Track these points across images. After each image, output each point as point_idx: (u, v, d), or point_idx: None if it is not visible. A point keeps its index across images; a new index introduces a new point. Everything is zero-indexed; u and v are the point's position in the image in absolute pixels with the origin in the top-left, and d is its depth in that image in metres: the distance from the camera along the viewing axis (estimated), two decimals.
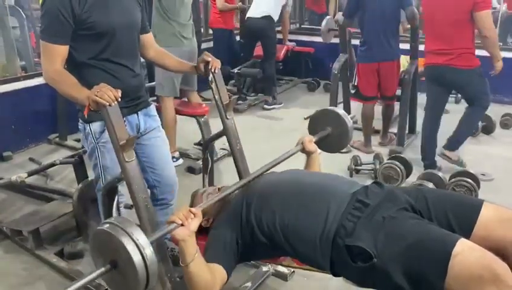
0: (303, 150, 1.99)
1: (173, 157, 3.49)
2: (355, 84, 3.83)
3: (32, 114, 4.01)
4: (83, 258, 2.44)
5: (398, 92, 3.93)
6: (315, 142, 2.01)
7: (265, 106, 5.21)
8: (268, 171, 1.82)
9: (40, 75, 3.79)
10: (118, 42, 1.85)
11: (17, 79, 3.91)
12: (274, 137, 4.33)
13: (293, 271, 2.22)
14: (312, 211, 1.48)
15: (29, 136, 4.07)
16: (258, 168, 1.79)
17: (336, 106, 4.23)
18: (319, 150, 3.76)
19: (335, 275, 1.47)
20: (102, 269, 1.25)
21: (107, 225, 1.26)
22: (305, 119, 4.68)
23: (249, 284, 2.18)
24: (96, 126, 1.89)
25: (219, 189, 1.86)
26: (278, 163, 1.87)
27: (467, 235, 1.39)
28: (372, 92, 3.76)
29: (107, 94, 1.58)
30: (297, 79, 6.42)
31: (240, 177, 2.17)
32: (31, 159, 3.79)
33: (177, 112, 3.59)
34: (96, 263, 1.32)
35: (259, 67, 5.29)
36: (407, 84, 3.79)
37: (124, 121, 1.92)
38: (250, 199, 1.61)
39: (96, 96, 1.58)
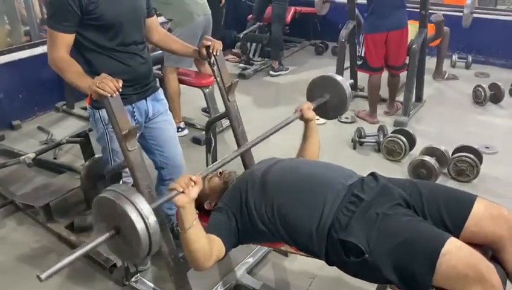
0: (301, 118, 1.97)
1: (179, 127, 3.52)
2: (362, 55, 3.74)
3: (39, 82, 4.02)
4: (92, 231, 2.54)
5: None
6: (313, 109, 1.99)
7: (272, 73, 5.14)
8: (271, 157, 1.86)
9: (44, 43, 3.79)
10: (125, 31, 1.85)
11: (22, 48, 3.90)
12: (280, 105, 4.32)
13: None
14: (309, 203, 1.53)
15: (37, 104, 4.13)
16: (257, 136, 1.77)
17: (343, 73, 4.18)
18: (323, 120, 3.73)
19: (330, 264, 1.53)
20: (107, 235, 1.27)
21: (111, 193, 1.27)
22: None
23: (250, 259, 2.27)
24: (105, 112, 1.91)
25: (220, 173, 1.90)
26: (276, 131, 1.84)
27: (459, 229, 1.44)
28: (380, 63, 3.70)
29: (108, 85, 1.59)
30: (305, 41, 6.31)
31: (243, 160, 2.22)
32: (40, 128, 3.86)
33: (182, 82, 3.59)
34: (98, 227, 1.33)
35: (266, 31, 5.18)
36: (415, 54, 3.71)
37: (133, 108, 1.97)
38: (251, 187, 1.65)
39: (98, 87, 1.60)
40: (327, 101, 2.11)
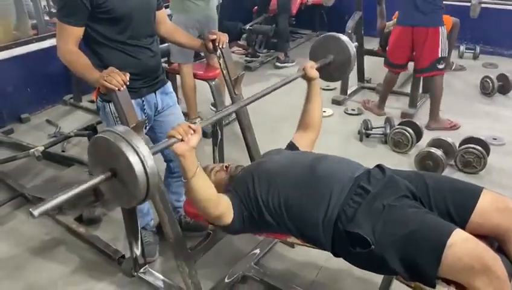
0: (304, 76, 1.96)
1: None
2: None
3: (46, 76, 4.05)
4: (100, 223, 2.58)
5: None
6: (316, 69, 1.97)
7: (278, 64, 5.13)
8: (277, 149, 1.87)
9: (52, 36, 3.81)
10: (135, 25, 1.86)
11: (30, 41, 3.92)
12: (286, 98, 4.28)
13: None
14: (316, 194, 1.53)
15: (45, 97, 4.16)
16: (256, 93, 1.78)
17: None
18: (329, 112, 3.69)
19: (336, 255, 1.55)
20: (102, 176, 1.22)
21: (108, 133, 1.22)
22: None
23: (257, 250, 2.29)
24: None
25: (226, 167, 1.91)
26: (278, 88, 1.84)
27: (465, 221, 1.44)
28: (402, 60, 3.55)
29: (116, 79, 1.61)
30: (312, 32, 6.28)
31: (249, 152, 2.24)
32: (48, 121, 3.90)
33: None
34: (94, 171, 1.30)
35: (271, 22, 5.16)
36: None
37: (143, 101, 1.98)
38: (257, 180, 1.64)
39: (105, 81, 1.61)
40: (331, 61, 2.08)
